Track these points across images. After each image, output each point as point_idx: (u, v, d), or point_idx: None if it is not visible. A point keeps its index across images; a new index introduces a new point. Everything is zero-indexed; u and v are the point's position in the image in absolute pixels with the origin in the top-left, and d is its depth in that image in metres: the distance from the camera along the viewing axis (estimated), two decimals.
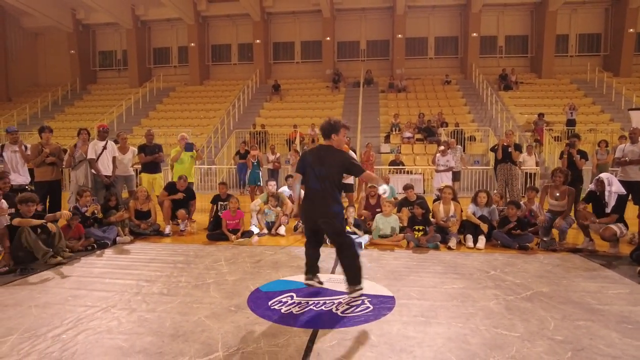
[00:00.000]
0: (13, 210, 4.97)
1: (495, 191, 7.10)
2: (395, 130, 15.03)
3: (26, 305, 3.37)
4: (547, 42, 18.73)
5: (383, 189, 3.47)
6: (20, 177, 6.25)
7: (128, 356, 2.52)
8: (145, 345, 2.65)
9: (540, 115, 14.70)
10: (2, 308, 3.31)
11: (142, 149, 7.22)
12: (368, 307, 3.26)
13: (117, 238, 5.70)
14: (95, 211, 5.82)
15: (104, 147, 6.55)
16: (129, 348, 2.63)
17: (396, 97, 18.10)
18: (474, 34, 19.21)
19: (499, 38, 20.25)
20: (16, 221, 4.57)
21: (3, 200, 4.75)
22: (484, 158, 13.57)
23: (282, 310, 3.19)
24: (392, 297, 3.49)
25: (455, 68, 20.52)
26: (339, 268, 4.51)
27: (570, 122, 14.38)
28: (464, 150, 13.47)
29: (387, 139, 14.77)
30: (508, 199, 6.62)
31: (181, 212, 6.34)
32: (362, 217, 6.26)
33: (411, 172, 11.89)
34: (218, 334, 2.81)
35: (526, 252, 5.12)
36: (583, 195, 6.07)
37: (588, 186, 5.99)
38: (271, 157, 11.22)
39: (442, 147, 8.39)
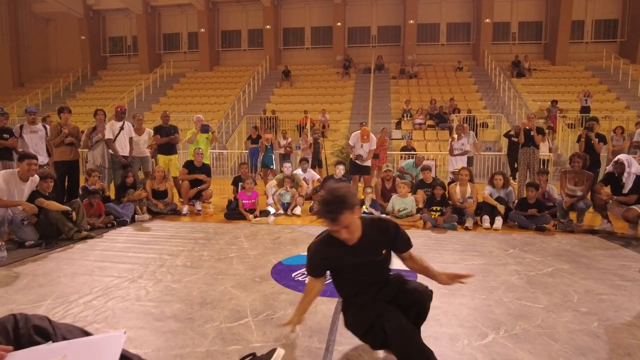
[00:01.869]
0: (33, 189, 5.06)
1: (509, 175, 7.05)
2: (407, 117, 14.94)
3: (55, 275, 3.45)
4: (562, 28, 18.38)
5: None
6: (40, 156, 6.33)
7: (159, 321, 2.58)
8: (175, 312, 2.71)
9: (554, 102, 14.51)
10: (33, 277, 3.39)
11: (157, 130, 7.26)
12: None
13: (136, 216, 5.78)
14: (103, 188, 5.88)
15: (121, 128, 6.61)
16: (159, 314, 2.69)
17: (407, 84, 17.95)
18: (487, 20, 18.90)
19: (512, 24, 19.91)
20: (42, 202, 4.61)
21: (36, 176, 4.76)
22: (496, 145, 13.47)
23: (306, 282, 3.23)
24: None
25: (468, 55, 20.25)
26: None
27: (585, 109, 14.19)
28: (476, 137, 13.41)
29: (398, 125, 14.70)
30: (527, 182, 6.57)
31: (208, 192, 6.49)
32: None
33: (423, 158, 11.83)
34: (246, 301, 2.86)
35: (543, 233, 5.11)
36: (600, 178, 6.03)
37: (606, 169, 5.94)
38: (283, 142, 11.26)
39: (455, 134, 8.36)
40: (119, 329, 2.47)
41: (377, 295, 1.99)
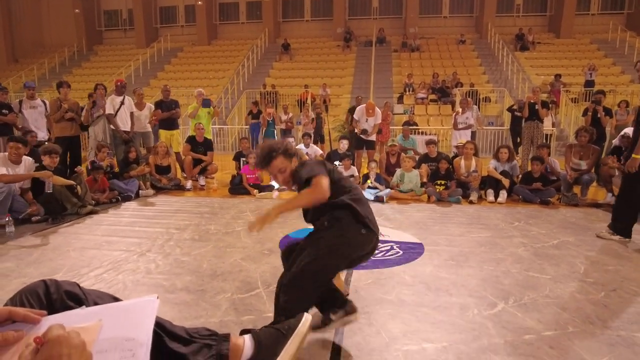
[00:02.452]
0: (37, 164, 5.04)
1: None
2: (409, 91, 14.75)
3: (64, 249, 3.47)
4: (567, 0, 17.95)
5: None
6: (40, 132, 6.27)
7: (171, 293, 2.61)
8: (186, 284, 2.74)
9: (557, 76, 14.31)
10: (42, 251, 3.41)
11: (158, 104, 7.18)
12: (398, 252, 3.31)
13: (140, 191, 5.78)
14: (112, 164, 5.86)
15: (122, 103, 6.53)
16: (170, 286, 2.71)
17: (409, 57, 17.64)
18: None
19: None
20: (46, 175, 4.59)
21: (29, 158, 4.76)
22: (499, 119, 13.37)
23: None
24: (421, 244, 3.54)
25: (471, 27, 19.83)
26: None
27: (589, 84, 14.01)
28: (479, 111, 13.28)
29: (400, 99, 14.54)
30: (531, 155, 6.54)
31: (213, 166, 6.48)
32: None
33: (425, 133, 11.77)
34: (256, 273, 2.89)
35: (548, 207, 5.13)
36: (605, 154, 6.00)
37: (612, 143, 5.91)
38: (284, 117, 11.14)
39: (459, 108, 8.28)
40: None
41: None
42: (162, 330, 1.17)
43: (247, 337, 1.37)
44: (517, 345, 1.96)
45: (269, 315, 2.27)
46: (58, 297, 1.01)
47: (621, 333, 2.08)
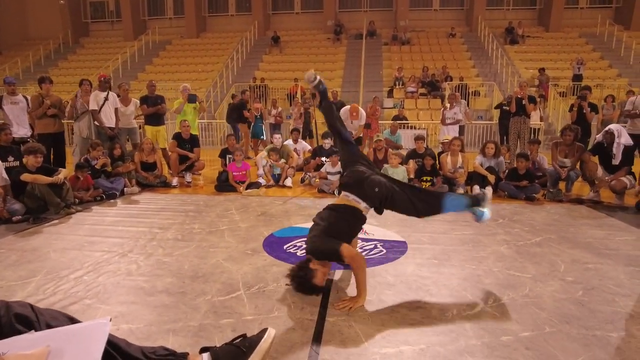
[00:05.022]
0: (18, 163, 4.94)
1: (504, 145, 7.04)
2: (399, 85, 14.74)
3: (44, 251, 3.42)
4: None
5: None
6: (22, 129, 6.14)
7: (151, 295, 2.58)
8: (167, 286, 2.71)
9: (541, 70, 14.36)
10: (21, 253, 3.36)
11: (144, 100, 7.08)
12: (381, 251, 3.32)
13: (125, 189, 5.71)
14: (105, 164, 5.79)
15: (106, 98, 6.42)
16: (151, 288, 2.68)
17: (400, 50, 17.61)
18: None
19: None
20: (28, 177, 4.51)
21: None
22: (488, 113, 13.42)
23: (298, 254, 3.24)
24: (404, 242, 3.55)
25: (461, 21, 19.82)
26: None
27: (577, 77, 14.11)
28: (468, 105, 13.32)
29: (390, 93, 14.52)
30: (517, 152, 6.58)
31: (200, 163, 6.44)
32: None
33: (414, 128, 11.79)
34: (237, 274, 2.87)
35: (533, 203, 5.17)
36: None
37: (595, 138, 5.96)
38: (273, 112, 11.06)
39: (447, 103, 8.30)
40: (110, 304, 2.47)
41: None
42: (117, 351, 1.14)
43: (206, 356, 1.35)
44: (494, 347, 1.97)
45: (249, 318, 2.27)
46: (7, 320, 0.98)
47: (596, 333, 2.10)
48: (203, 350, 1.44)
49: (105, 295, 2.59)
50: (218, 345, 1.51)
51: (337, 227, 2.49)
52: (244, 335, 1.54)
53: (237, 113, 9.48)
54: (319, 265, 2.41)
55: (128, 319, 2.28)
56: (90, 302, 2.49)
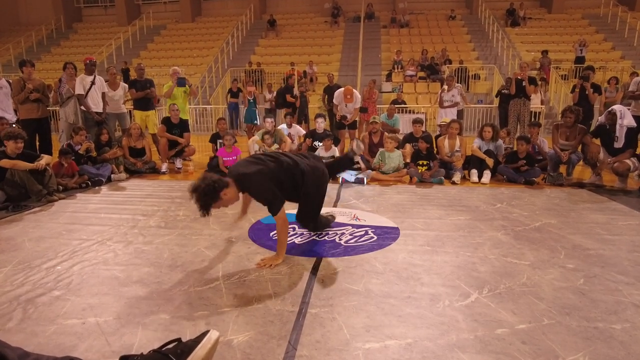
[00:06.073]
0: None
1: (503, 129, 6.82)
2: (398, 68, 14.42)
3: (19, 240, 3.26)
4: None
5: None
6: (7, 114, 5.95)
7: (125, 286, 2.43)
8: (143, 276, 2.56)
9: (544, 52, 14.02)
10: None
11: (132, 84, 6.86)
12: (372, 238, 3.16)
13: (112, 175, 5.54)
14: (89, 149, 5.60)
15: (92, 82, 6.20)
16: (126, 278, 2.53)
17: (398, 33, 17.21)
18: None
19: None
20: (7, 163, 4.33)
21: None
22: (488, 97, 13.15)
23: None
24: (397, 228, 3.39)
25: (461, 2, 19.33)
26: (342, 200, 4.41)
27: (579, 60, 13.77)
28: (467, 89, 13.03)
29: (388, 77, 14.22)
30: (517, 135, 6.38)
31: (190, 148, 6.26)
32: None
33: (413, 112, 11.53)
34: (218, 263, 2.72)
35: (532, 187, 5.00)
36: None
37: (598, 120, 5.76)
38: (268, 96, 10.82)
39: (445, 85, 8.04)
40: (80, 295, 2.31)
41: None
42: None
43: None
44: (488, 341, 1.82)
45: (225, 310, 2.11)
46: None
47: (598, 325, 1.95)
48: (123, 358, 1.27)
49: (77, 286, 2.43)
50: (145, 353, 1.33)
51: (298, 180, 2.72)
52: (178, 340, 1.36)
53: (282, 97, 9.32)
54: (234, 191, 2.56)
55: (97, 311, 2.12)
56: (60, 294, 2.34)
